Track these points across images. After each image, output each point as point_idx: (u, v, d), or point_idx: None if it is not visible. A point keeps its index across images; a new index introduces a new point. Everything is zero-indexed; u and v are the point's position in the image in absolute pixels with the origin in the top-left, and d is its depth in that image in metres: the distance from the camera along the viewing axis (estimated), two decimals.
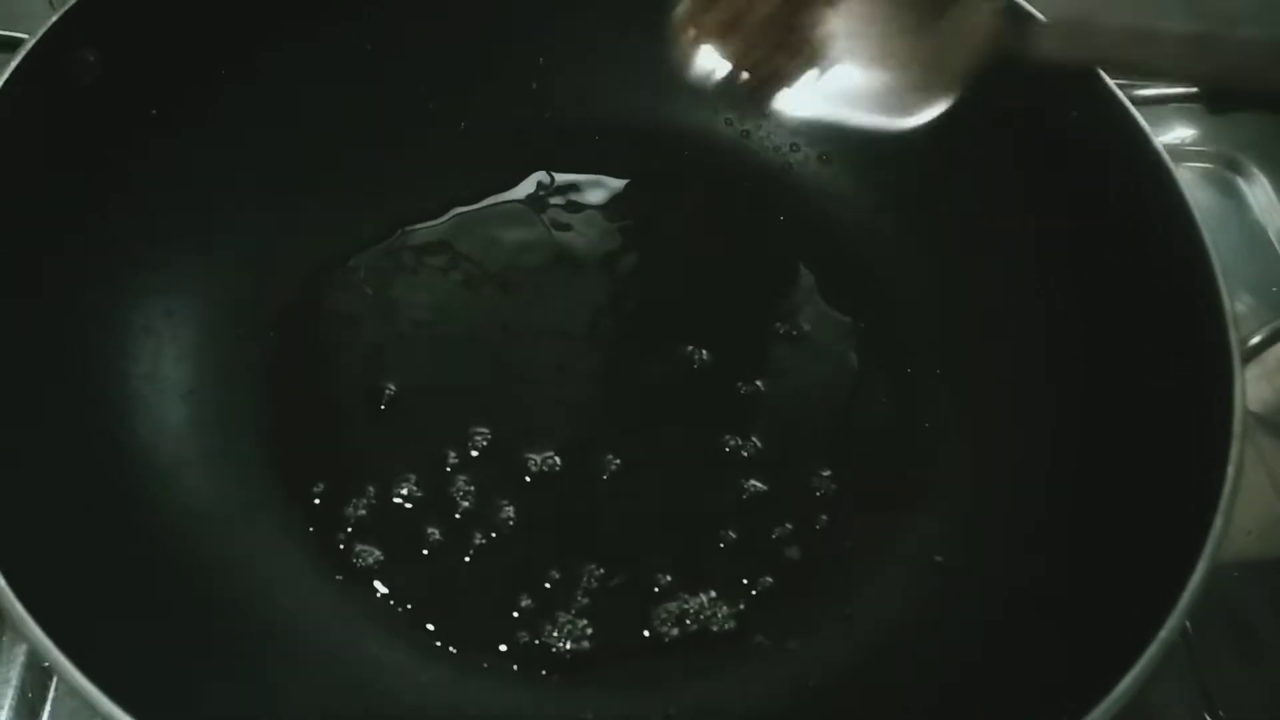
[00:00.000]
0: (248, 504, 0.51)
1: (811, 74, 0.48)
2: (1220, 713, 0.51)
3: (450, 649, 0.48)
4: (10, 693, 0.50)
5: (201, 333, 0.55)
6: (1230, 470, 0.40)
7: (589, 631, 0.49)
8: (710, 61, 0.49)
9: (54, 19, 0.48)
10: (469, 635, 0.48)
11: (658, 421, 0.56)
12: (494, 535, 0.51)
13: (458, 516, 0.51)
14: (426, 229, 0.61)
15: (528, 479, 0.53)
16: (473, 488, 0.52)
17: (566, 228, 0.62)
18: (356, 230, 0.60)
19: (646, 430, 0.55)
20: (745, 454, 0.54)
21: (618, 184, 0.64)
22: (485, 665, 0.48)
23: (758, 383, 0.57)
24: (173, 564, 0.47)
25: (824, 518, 0.52)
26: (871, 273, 0.61)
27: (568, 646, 0.48)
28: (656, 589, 0.50)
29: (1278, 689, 0.53)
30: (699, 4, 0.47)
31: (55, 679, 0.50)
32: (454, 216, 0.62)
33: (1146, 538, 0.43)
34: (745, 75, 0.47)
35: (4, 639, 0.51)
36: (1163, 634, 0.37)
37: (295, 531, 0.51)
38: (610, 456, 0.54)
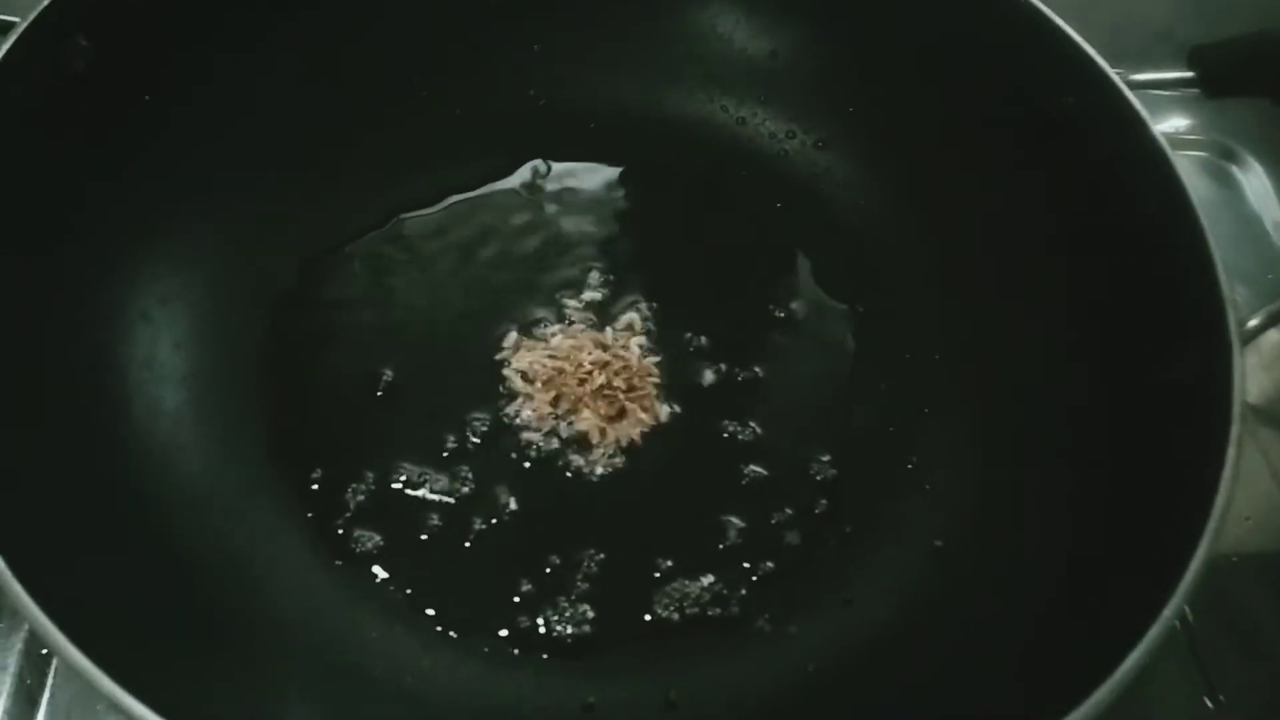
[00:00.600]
0: (246, 489, 0.51)
1: None
2: (1220, 697, 0.51)
3: (450, 633, 0.48)
4: (8, 680, 0.50)
5: (197, 320, 0.54)
6: (1231, 451, 0.40)
7: (590, 616, 0.49)
8: None
9: (45, 3, 0.48)
10: (469, 619, 0.48)
11: None
12: (493, 521, 0.51)
13: (457, 502, 0.51)
14: (423, 216, 0.61)
15: (527, 464, 0.53)
16: (472, 473, 0.52)
17: (562, 215, 0.62)
18: (353, 217, 0.60)
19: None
20: (744, 439, 0.54)
21: (613, 171, 0.64)
22: (486, 649, 0.48)
23: (756, 369, 0.57)
24: (171, 549, 0.47)
25: (823, 502, 0.52)
26: (868, 259, 0.61)
27: (569, 631, 0.48)
28: (657, 574, 0.50)
29: (1275, 674, 0.53)
30: None
31: (54, 666, 0.50)
32: (450, 204, 0.62)
33: (1148, 519, 0.43)
34: None
35: (1, 625, 0.51)
36: (1166, 613, 0.37)
37: (294, 517, 0.50)
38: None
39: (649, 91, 0.65)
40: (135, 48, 0.52)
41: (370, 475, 0.52)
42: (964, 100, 0.58)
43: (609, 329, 0.57)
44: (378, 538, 0.50)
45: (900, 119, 0.61)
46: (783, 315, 0.59)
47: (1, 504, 0.40)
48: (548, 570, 0.50)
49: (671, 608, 0.49)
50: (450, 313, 0.58)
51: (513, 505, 0.51)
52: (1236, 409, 0.41)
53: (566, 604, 0.49)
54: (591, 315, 0.58)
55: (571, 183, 0.63)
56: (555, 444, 0.53)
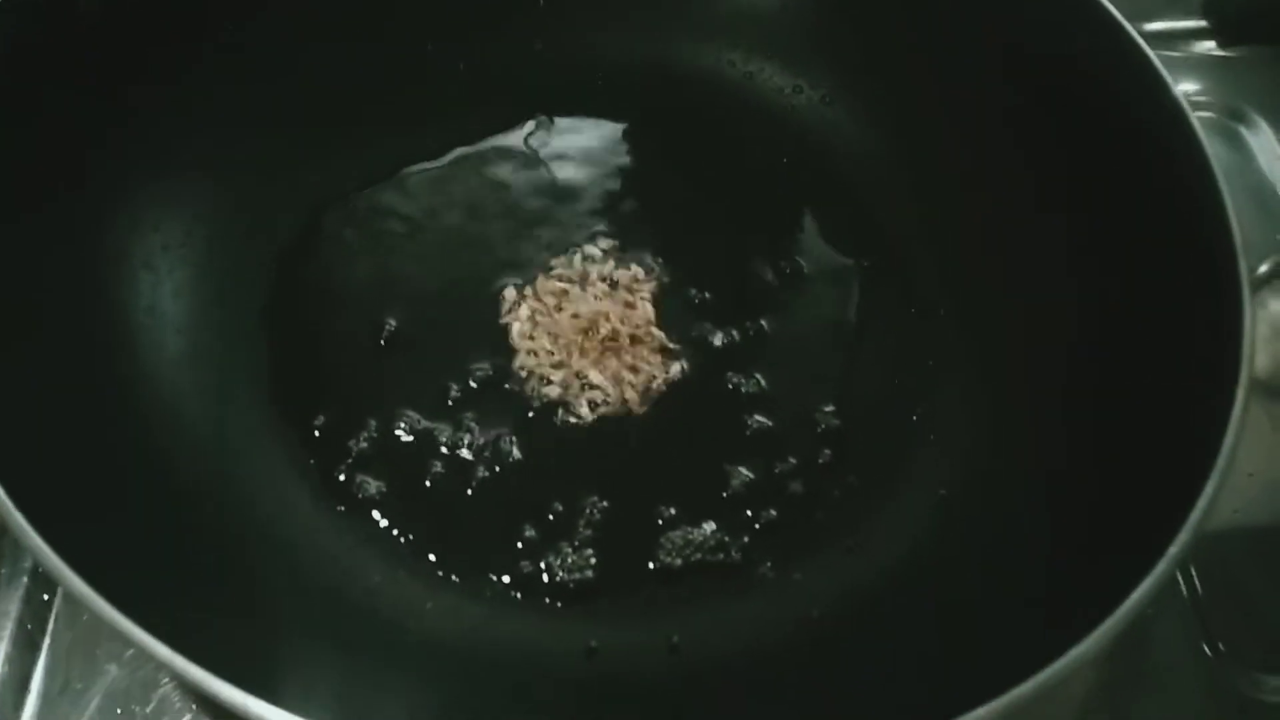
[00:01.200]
0: (249, 436, 0.51)
1: None
2: (1220, 646, 0.51)
3: (453, 578, 0.48)
4: (10, 625, 0.50)
5: (200, 269, 0.54)
6: (1240, 392, 0.40)
7: (593, 562, 0.49)
8: None
9: None
10: (472, 565, 0.48)
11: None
12: (496, 468, 0.51)
13: (460, 449, 0.51)
14: (427, 169, 0.61)
15: (530, 413, 0.53)
16: (474, 422, 0.52)
17: (567, 169, 0.62)
18: (358, 169, 0.60)
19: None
20: (749, 391, 0.54)
21: (619, 126, 0.63)
22: (489, 594, 0.48)
23: (761, 322, 0.56)
24: (176, 493, 0.47)
25: (827, 453, 0.52)
26: (875, 214, 0.60)
27: (572, 576, 0.48)
28: (660, 521, 0.50)
29: (1273, 625, 0.53)
30: None
31: (54, 612, 0.50)
32: (454, 157, 0.61)
33: (1155, 463, 0.43)
34: None
35: (3, 571, 0.51)
36: (1173, 549, 0.37)
37: (297, 463, 0.50)
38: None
39: (656, 45, 0.64)
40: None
41: (373, 423, 0.52)
42: (974, 53, 0.57)
43: (613, 282, 0.57)
44: (380, 484, 0.50)
45: (909, 73, 0.60)
46: (789, 270, 0.59)
47: (8, 444, 0.40)
48: (550, 517, 0.50)
49: (675, 555, 0.49)
50: (454, 263, 0.58)
51: (515, 453, 0.51)
52: (1246, 352, 0.41)
53: (570, 550, 0.49)
54: (596, 268, 0.58)
55: (576, 137, 0.63)
56: (558, 393, 0.53)
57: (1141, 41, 0.50)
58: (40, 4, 0.48)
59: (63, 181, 0.50)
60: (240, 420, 0.51)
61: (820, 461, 0.52)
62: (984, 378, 0.54)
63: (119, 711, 0.48)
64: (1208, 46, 0.70)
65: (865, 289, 0.58)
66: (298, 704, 0.35)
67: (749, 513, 0.50)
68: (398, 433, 0.51)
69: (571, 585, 0.48)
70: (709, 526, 0.50)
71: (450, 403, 0.52)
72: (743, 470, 0.51)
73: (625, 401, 0.53)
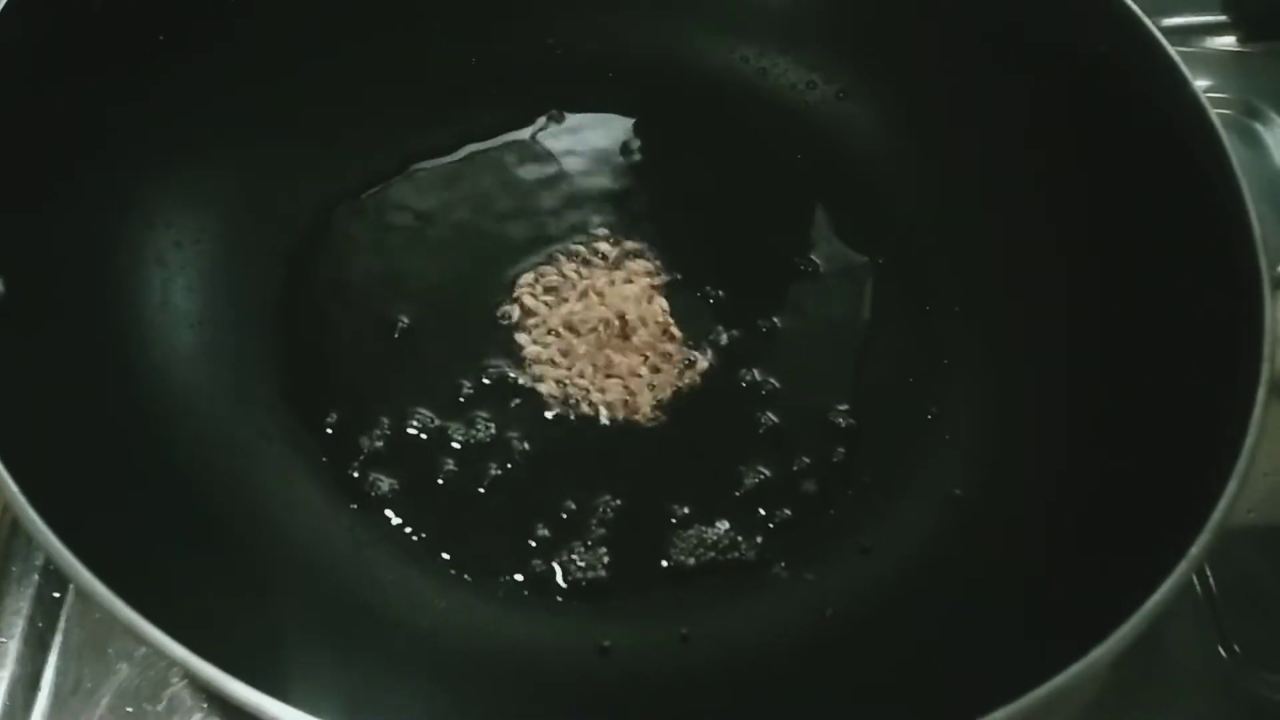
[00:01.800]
0: (261, 433, 0.50)
1: None
2: (1235, 648, 0.51)
3: (465, 577, 0.48)
4: (21, 623, 0.50)
5: (212, 265, 0.54)
6: (1261, 392, 0.39)
7: (605, 561, 0.48)
8: None
9: None
10: (484, 563, 0.48)
11: None
12: (509, 466, 0.51)
13: (472, 447, 0.51)
14: (438, 165, 0.60)
15: (542, 411, 0.52)
16: (487, 419, 0.52)
17: (578, 166, 0.61)
18: (369, 165, 0.60)
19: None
20: (762, 389, 0.54)
21: (630, 122, 0.63)
22: (501, 593, 0.47)
23: (775, 320, 0.56)
24: (187, 490, 0.47)
25: (841, 452, 0.52)
26: (889, 210, 0.60)
27: (584, 575, 0.48)
28: (674, 520, 0.49)
29: None
30: None
31: (65, 610, 0.50)
32: (466, 153, 0.61)
33: (1174, 463, 0.43)
34: None
35: (14, 569, 0.51)
36: (1194, 550, 0.36)
37: (309, 461, 0.50)
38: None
39: (668, 41, 0.64)
40: None
41: (385, 420, 0.51)
42: (989, 48, 0.57)
43: (626, 278, 0.57)
44: (393, 482, 0.50)
45: (924, 69, 0.60)
46: (802, 267, 0.58)
47: (20, 439, 0.40)
48: (563, 515, 0.49)
49: (687, 554, 0.49)
50: (465, 259, 0.57)
51: (528, 451, 0.51)
52: (1267, 350, 0.41)
53: (582, 548, 0.48)
54: (608, 266, 0.57)
55: (588, 133, 0.63)
56: (571, 391, 0.53)
57: (1160, 36, 0.49)
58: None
59: (75, 177, 0.49)
60: (252, 417, 0.51)
61: (834, 460, 0.52)
62: (999, 376, 0.53)
63: (130, 710, 0.48)
64: (1224, 42, 0.70)
65: (879, 286, 0.58)
66: (309, 702, 0.35)
67: (762, 512, 0.50)
68: (410, 430, 0.51)
69: (584, 584, 0.48)
70: (722, 525, 0.49)
71: (462, 400, 0.52)
72: (756, 469, 0.51)
73: (638, 400, 0.53)
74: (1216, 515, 0.37)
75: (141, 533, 0.42)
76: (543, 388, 0.53)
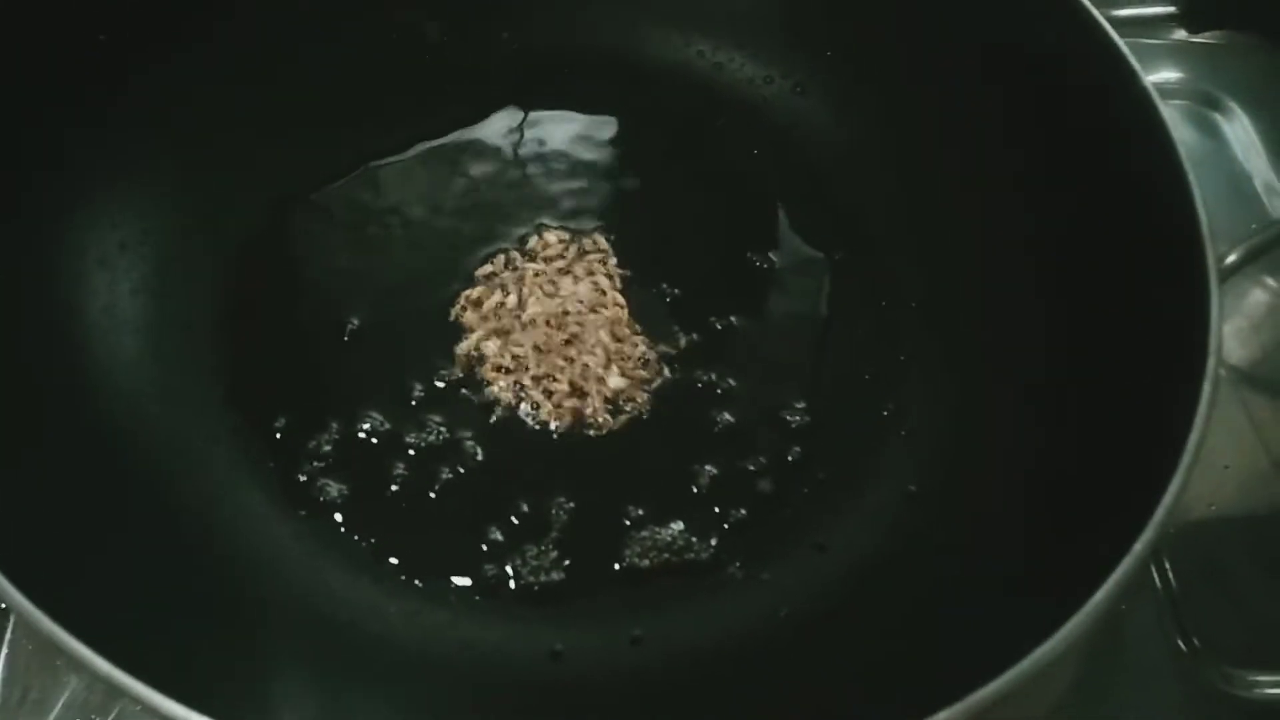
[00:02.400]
0: (207, 438, 0.50)
1: None
2: (1195, 641, 0.51)
3: (416, 582, 0.47)
4: None
5: (158, 266, 0.53)
6: (1207, 386, 0.39)
7: (559, 564, 0.48)
8: None
9: None
10: (435, 568, 0.47)
11: None
12: (460, 470, 0.50)
13: (423, 451, 0.50)
14: (391, 164, 0.60)
15: (495, 414, 0.52)
16: (439, 422, 0.51)
17: (533, 163, 0.61)
18: (320, 163, 0.59)
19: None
20: (717, 388, 0.53)
21: (587, 118, 0.62)
22: (452, 599, 0.47)
23: (731, 318, 0.56)
24: (130, 497, 0.46)
25: (797, 449, 0.52)
26: (847, 206, 0.60)
27: (537, 579, 0.47)
28: (628, 521, 0.49)
29: (1249, 619, 0.53)
30: None
31: (11, 620, 0.49)
32: (419, 151, 0.60)
33: (1123, 456, 0.42)
34: None
35: None
36: (1137, 547, 0.36)
37: (256, 466, 0.49)
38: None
39: (624, 35, 0.63)
40: None
41: (334, 424, 0.51)
42: (944, 42, 0.57)
43: (581, 278, 0.56)
44: (342, 486, 0.49)
45: (880, 63, 0.59)
46: (759, 264, 0.58)
47: None
48: (515, 519, 0.49)
49: (641, 555, 0.48)
50: (418, 261, 0.57)
51: (480, 455, 0.50)
52: (1213, 343, 0.40)
53: (535, 552, 0.48)
54: (563, 265, 0.57)
55: (544, 130, 0.62)
56: (524, 393, 0.52)
57: (1109, 28, 0.49)
58: None
59: (14, 176, 0.49)
60: (198, 422, 0.50)
61: (789, 459, 0.51)
62: (954, 371, 0.53)
63: None
64: (1182, 33, 0.70)
65: (837, 282, 0.58)
66: (255, 716, 0.34)
67: (717, 511, 0.50)
68: (360, 434, 0.51)
69: (537, 588, 0.47)
70: (677, 526, 0.49)
71: (414, 403, 0.52)
72: (711, 469, 0.51)
73: (592, 401, 0.52)
74: (1161, 511, 0.37)
75: (77, 544, 0.41)
76: (496, 390, 0.52)
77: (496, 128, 0.62)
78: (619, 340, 0.54)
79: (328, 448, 0.50)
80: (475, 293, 0.55)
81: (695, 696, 0.44)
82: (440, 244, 0.57)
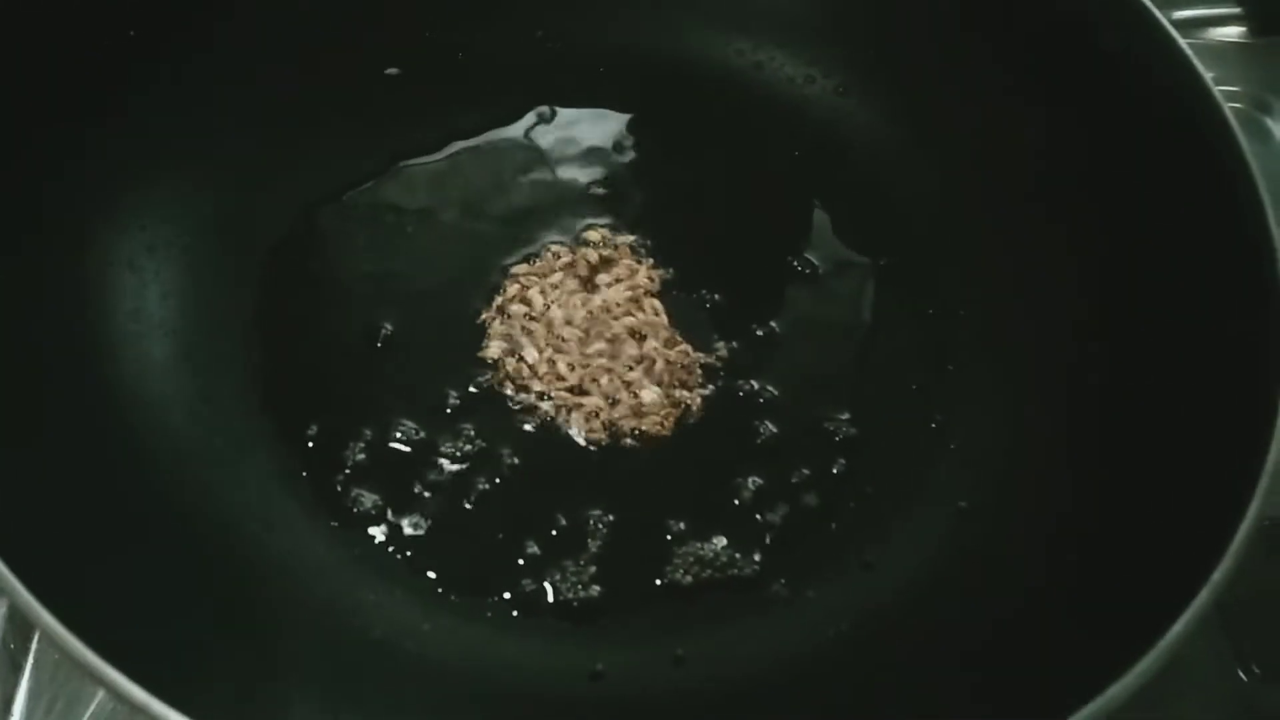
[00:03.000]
0: (239, 446, 0.48)
1: None
2: (1255, 669, 0.49)
3: (452, 597, 0.46)
4: None
5: (188, 270, 0.52)
6: None
7: (598, 579, 0.46)
8: None
9: None
10: (471, 583, 0.46)
11: None
12: (497, 480, 0.49)
13: (459, 460, 0.49)
14: (424, 164, 0.58)
15: (533, 423, 0.50)
16: (475, 431, 0.50)
17: (570, 163, 0.59)
18: (352, 164, 0.57)
19: None
20: (760, 398, 0.52)
21: (623, 118, 0.61)
22: (489, 615, 0.46)
23: (773, 324, 0.54)
24: (160, 507, 0.45)
25: (842, 462, 0.50)
26: (891, 210, 0.58)
27: (576, 594, 0.46)
28: (669, 536, 0.48)
29: None
30: None
31: (38, 631, 0.48)
32: (452, 151, 0.59)
33: (1191, 476, 0.41)
34: None
35: None
36: (1215, 576, 0.34)
37: (288, 475, 0.48)
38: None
39: (662, 33, 0.62)
40: None
41: (368, 432, 0.49)
42: (994, 42, 0.55)
43: (619, 283, 0.55)
44: (376, 497, 0.48)
45: (926, 62, 0.58)
46: (801, 269, 0.56)
47: None
48: (554, 532, 0.47)
49: (684, 571, 0.47)
50: (451, 264, 0.55)
51: (518, 464, 0.49)
52: None
53: (574, 567, 0.47)
54: (600, 269, 0.55)
55: (579, 130, 0.60)
56: (561, 403, 0.51)
57: (1173, 30, 0.47)
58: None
59: (43, 178, 0.48)
60: (229, 429, 0.49)
61: (835, 472, 0.50)
62: (1007, 383, 0.51)
63: None
64: (1232, 33, 0.68)
65: (881, 288, 0.56)
66: None
67: (761, 526, 0.48)
68: (395, 443, 0.49)
69: (575, 604, 0.46)
70: (719, 541, 0.48)
71: (449, 410, 0.50)
72: (754, 481, 0.49)
73: (631, 409, 0.51)
74: (1239, 538, 0.35)
75: (103, 556, 0.40)
76: (532, 398, 0.51)
77: (532, 127, 0.60)
78: (657, 348, 0.53)
79: (361, 456, 0.49)
80: (510, 297, 0.54)
81: (740, 718, 0.43)
82: (474, 246, 0.56)
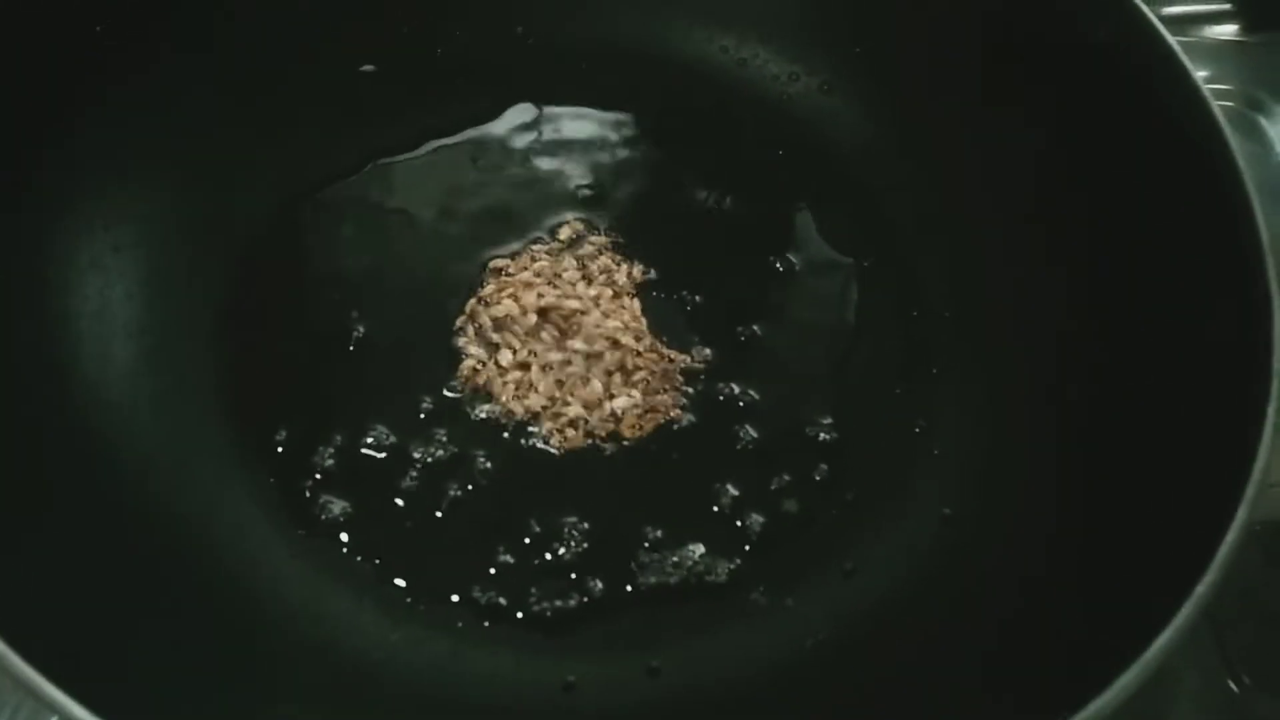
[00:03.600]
0: (205, 451, 0.47)
1: None
2: (1245, 679, 0.48)
3: (421, 606, 0.45)
4: None
5: (155, 269, 0.51)
6: (1270, 409, 0.37)
7: (572, 588, 0.45)
8: None
9: None
10: (442, 591, 0.45)
11: None
12: (469, 487, 0.48)
13: (431, 466, 0.48)
14: (401, 161, 0.57)
15: (507, 428, 0.49)
16: (447, 436, 0.49)
17: (550, 162, 0.58)
18: (326, 162, 0.56)
19: None
20: (741, 403, 0.51)
21: (605, 115, 0.60)
22: (459, 624, 0.44)
23: (754, 327, 0.53)
24: (124, 514, 0.44)
25: (824, 468, 0.49)
26: (875, 210, 0.57)
27: (549, 604, 0.45)
28: (645, 543, 0.47)
29: None
30: None
31: None
32: (430, 149, 0.58)
33: (1178, 483, 0.40)
34: None
35: None
36: (1200, 588, 0.33)
37: (256, 481, 0.47)
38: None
39: (644, 30, 0.61)
40: None
41: (338, 437, 0.48)
42: (979, 39, 0.54)
43: (597, 284, 0.54)
44: (345, 504, 0.47)
45: (912, 60, 0.56)
46: (783, 269, 0.55)
47: None
48: (527, 540, 0.46)
49: (659, 579, 0.46)
50: (427, 264, 0.54)
51: (490, 470, 0.48)
52: (1276, 365, 0.38)
53: (547, 575, 0.46)
54: (579, 269, 0.54)
55: (560, 127, 0.59)
56: (537, 406, 0.50)
57: (1160, 26, 0.46)
58: None
59: (2, 177, 0.46)
60: (194, 433, 0.48)
61: (816, 478, 0.49)
62: (991, 387, 0.50)
63: None
64: (1224, 31, 0.67)
65: (864, 289, 0.55)
66: None
67: (740, 533, 0.47)
68: (365, 448, 0.48)
69: (549, 614, 0.45)
70: (697, 549, 0.46)
71: (422, 415, 0.49)
72: (732, 488, 0.48)
73: (608, 413, 0.50)
74: (1224, 550, 0.34)
75: (57, 565, 0.39)
76: (507, 403, 0.50)
77: (510, 125, 0.59)
78: (636, 351, 0.52)
79: (330, 462, 0.48)
80: (486, 298, 0.53)
81: None
82: (451, 246, 0.55)
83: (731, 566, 0.46)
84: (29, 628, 0.34)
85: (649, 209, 0.57)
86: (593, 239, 0.55)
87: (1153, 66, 0.46)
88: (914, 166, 0.57)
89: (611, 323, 0.52)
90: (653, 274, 0.55)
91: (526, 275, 0.54)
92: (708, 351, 0.52)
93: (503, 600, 0.45)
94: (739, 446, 0.49)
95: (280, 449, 0.48)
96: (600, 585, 0.46)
